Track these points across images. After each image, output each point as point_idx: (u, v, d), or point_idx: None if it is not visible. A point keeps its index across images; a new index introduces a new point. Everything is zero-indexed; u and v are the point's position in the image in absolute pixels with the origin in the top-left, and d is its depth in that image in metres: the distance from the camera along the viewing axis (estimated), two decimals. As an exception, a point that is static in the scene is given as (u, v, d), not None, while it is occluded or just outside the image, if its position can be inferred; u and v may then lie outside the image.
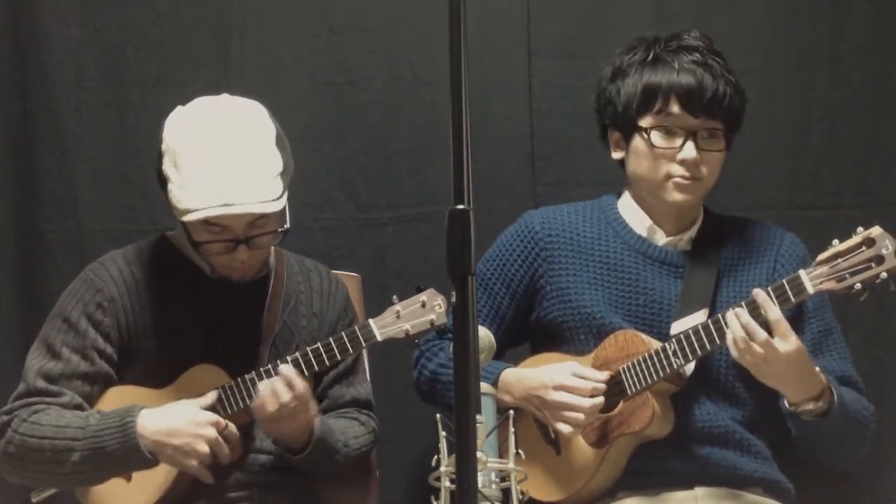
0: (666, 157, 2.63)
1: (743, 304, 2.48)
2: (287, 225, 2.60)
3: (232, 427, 2.58)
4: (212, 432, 2.55)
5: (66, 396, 2.60)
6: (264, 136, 2.56)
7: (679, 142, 2.62)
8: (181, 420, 2.54)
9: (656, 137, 2.63)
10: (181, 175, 2.52)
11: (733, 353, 2.48)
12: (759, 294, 2.46)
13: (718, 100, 2.61)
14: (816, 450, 2.64)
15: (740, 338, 2.45)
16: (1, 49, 3.23)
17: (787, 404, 2.56)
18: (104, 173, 3.26)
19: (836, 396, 2.54)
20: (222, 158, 2.50)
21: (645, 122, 2.64)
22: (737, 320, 2.46)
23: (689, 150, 2.61)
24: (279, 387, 2.54)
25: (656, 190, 2.66)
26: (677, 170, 2.63)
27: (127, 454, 2.53)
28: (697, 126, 2.62)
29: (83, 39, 3.25)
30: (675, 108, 2.62)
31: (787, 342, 2.44)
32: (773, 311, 2.45)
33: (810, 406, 2.53)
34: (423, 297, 2.58)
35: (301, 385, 2.55)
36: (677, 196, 2.64)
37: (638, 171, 2.68)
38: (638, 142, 2.66)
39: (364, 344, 2.59)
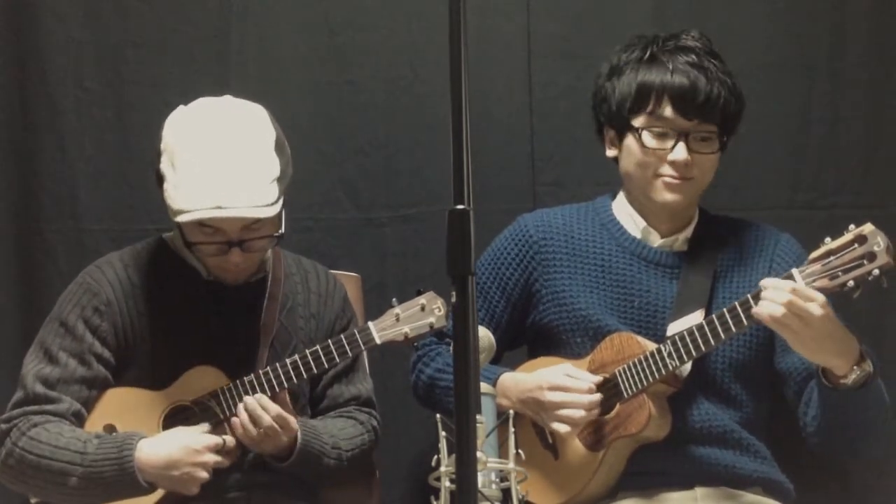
0: (657, 157, 2.62)
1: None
2: (282, 230, 2.60)
3: (230, 440, 2.58)
4: (210, 458, 2.54)
5: (65, 403, 2.59)
6: (263, 140, 2.55)
7: (671, 143, 2.61)
8: (179, 449, 2.53)
9: (648, 138, 2.63)
10: (177, 175, 2.51)
11: (770, 324, 2.39)
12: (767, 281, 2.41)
13: (712, 102, 2.60)
14: (851, 426, 2.52)
15: (784, 301, 2.35)
16: (1, 49, 3.23)
17: (829, 380, 2.44)
18: (104, 173, 3.25)
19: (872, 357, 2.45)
20: (218, 160, 2.49)
21: (638, 121, 2.64)
22: (781, 288, 2.37)
23: (680, 152, 2.60)
24: (257, 411, 2.55)
25: (646, 189, 2.66)
26: (667, 170, 2.62)
27: (125, 485, 2.52)
28: (690, 128, 2.61)
29: (83, 39, 3.25)
30: (667, 109, 2.61)
31: (817, 297, 2.36)
32: (789, 283, 2.38)
33: (856, 373, 2.42)
34: (422, 299, 2.58)
35: (274, 408, 2.56)
36: (667, 196, 2.64)
37: (629, 169, 2.67)
38: (630, 141, 2.65)
39: (363, 347, 2.59)
